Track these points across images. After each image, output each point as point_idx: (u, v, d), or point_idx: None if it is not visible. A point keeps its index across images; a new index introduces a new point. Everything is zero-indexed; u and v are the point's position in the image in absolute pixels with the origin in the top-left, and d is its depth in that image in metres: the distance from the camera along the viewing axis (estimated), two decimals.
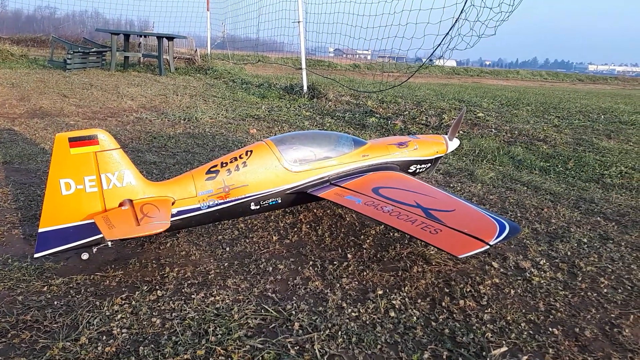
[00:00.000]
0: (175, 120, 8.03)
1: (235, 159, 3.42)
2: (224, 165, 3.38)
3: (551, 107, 12.54)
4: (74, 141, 2.88)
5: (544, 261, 3.47)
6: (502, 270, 3.31)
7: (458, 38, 7.75)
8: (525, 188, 5.35)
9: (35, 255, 2.82)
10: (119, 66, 16.22)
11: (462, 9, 7.44)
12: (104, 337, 2.35)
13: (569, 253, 3.66)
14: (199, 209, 3.26)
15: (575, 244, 3.82)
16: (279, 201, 3.56)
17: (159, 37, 16.06)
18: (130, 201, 3.01)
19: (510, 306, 2.85)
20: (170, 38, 16.51)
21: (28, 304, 2.60)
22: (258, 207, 3.49)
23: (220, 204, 3.33)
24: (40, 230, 2.80)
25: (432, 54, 8.17)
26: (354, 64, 29.27)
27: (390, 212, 3.08)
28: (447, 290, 3.00)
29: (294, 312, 2.66)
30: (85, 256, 3.06)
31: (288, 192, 3.55)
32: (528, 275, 3.25)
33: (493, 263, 3.38)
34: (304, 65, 12.34)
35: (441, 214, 2.99)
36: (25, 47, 19.11)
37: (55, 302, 2.63)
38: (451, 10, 7.70)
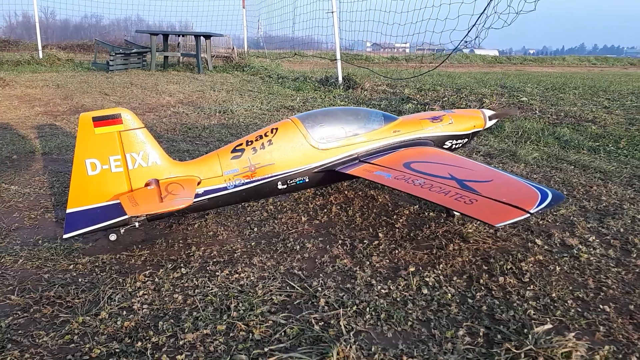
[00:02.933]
0: (211, 113, 8.06)
1: (261, 137, 3.33)
2: (249, 143, 3.29)
3: (600, 90, 11.85)
4: (98, 121, 2.90)
5: (594, 238, 3.20)
6: (546, 247, 3.07)
7: (494, 16, 7.39)
8: (572, 167, 5.01)
9: (64, 236, 2.83)
10: (158, 66, 16.56)
11: None
12: (124, 312, 2.31)
13: (621, 230, 3.37)
14: (225, 188, 3.19)
15: (629, 221, 3.52)
16: (307, 180, 3.44)
17: (197, 36, 16.27)
18: (157, 181, 2.97)
19: (555, 283, 2.62)
20: (207, 36, 16.69)
21: (53, 281, 2.59)
22: (285, 186, 3.38)
23: (247, 183, 3.24)
24: (68, 211, 2.80)
25: (467, 34, 7.84)
26: (392, 56, 28.77)
27: (422, 184, 2.91)
28: (486, 268, 2.80)
29: (320, 289, 2.54)
30: (112, 237, 3.04)
31: (315, 170, 3.43)
32: (576, 252, 3.00)
33: (536, 240, 3.14)
34: (338, 56, 12.18)
35: (477, 185, 2.79)
36: (71, 53, 19.87)
37: (80, 280, 2.61)
38: None
